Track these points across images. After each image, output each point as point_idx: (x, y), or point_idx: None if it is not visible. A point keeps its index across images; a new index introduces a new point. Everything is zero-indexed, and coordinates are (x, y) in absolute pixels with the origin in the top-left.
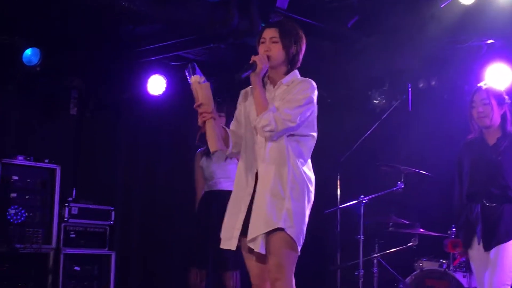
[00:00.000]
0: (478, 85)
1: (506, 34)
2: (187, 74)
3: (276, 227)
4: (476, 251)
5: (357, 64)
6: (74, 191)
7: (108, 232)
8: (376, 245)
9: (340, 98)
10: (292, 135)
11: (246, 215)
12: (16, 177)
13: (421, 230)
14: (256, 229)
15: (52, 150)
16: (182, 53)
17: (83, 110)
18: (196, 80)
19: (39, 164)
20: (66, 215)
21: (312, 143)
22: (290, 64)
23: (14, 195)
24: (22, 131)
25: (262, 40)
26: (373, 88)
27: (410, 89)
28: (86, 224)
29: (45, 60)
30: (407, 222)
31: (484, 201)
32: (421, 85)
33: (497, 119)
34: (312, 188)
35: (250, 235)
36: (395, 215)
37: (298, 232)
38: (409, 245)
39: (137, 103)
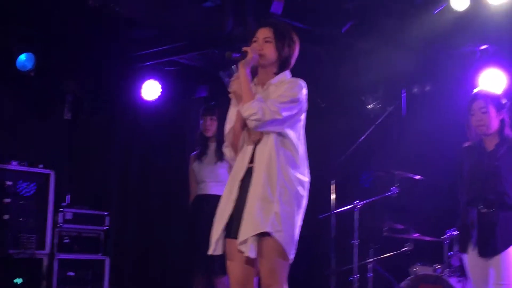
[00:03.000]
0: (476, 91)
1: (499, 39)
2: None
3: (263, 230)
4: (471, 256)
5: (351, 69)
6: (68, 196)
7: (102, 237)
8: (371, 250)
9: (334, 103)
10: (282, 137)
11: (230, 220)
12: (10, 182)
13: (416, 234)
14: (245, 232)
15: (46, 155)
16: (176, 59)
17: (77, 114)
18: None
19: (33, 169)
20: (60, 220)
21: (302, 145)
22: (281, 66)
23: (8, 200)
24: (16, 136)
25: (254, 39)
26: (367, 93)
27: (404, 94)
28: (80, 229)
29: (40, 65)
30: (402, 227)
31: (480, 207)
32: (415, 90)
33: (495, 126)
34: (304, 193)
35: (240, 238)
36: (390, 219)
37: (288, 238)
38: (404, 250)
39: (131, 108)
